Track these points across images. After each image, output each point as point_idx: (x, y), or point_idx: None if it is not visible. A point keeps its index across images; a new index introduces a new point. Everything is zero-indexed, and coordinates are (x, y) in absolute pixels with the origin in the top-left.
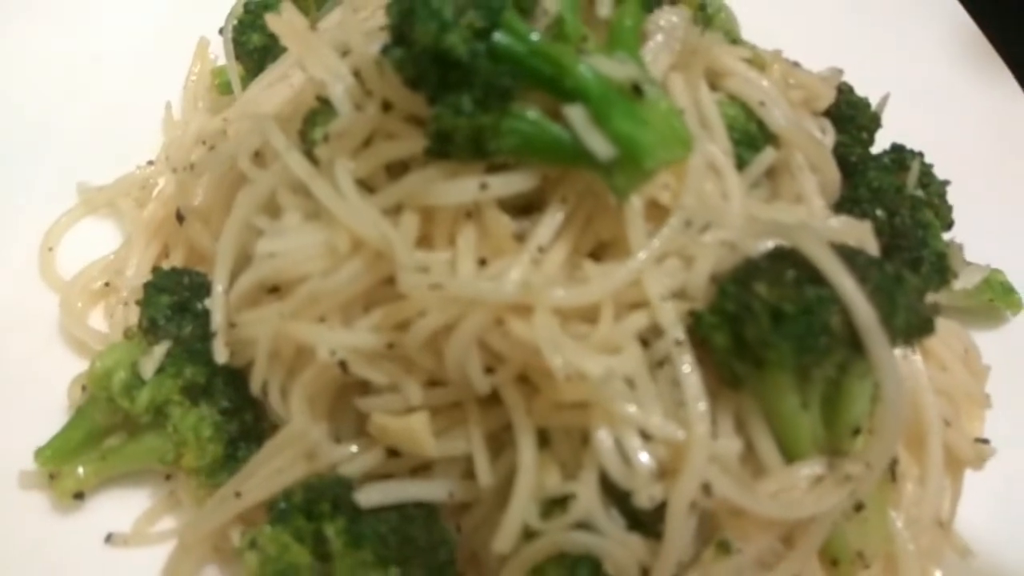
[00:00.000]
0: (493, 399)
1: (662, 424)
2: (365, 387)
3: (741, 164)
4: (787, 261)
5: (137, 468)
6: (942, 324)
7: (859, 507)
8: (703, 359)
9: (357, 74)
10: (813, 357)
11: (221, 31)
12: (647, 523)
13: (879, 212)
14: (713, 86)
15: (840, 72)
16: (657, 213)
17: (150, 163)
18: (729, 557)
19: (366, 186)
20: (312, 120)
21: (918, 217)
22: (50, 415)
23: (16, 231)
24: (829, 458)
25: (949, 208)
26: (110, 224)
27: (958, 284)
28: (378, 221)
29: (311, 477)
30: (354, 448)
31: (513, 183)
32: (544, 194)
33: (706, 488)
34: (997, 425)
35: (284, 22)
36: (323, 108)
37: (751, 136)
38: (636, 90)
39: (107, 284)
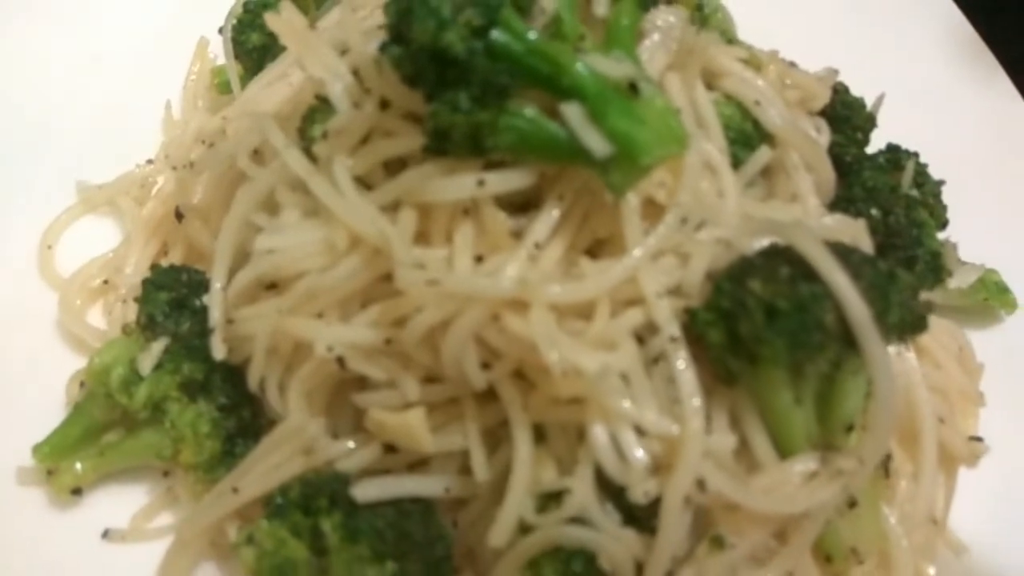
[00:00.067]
0: (489, 395)
1: (657, 420)
2: (362, 383)
3: (737, 163)
4: (782, 258)
5: (135, 464)
6: (936, 322)
7: (852, 503)
8: (698, 355)
9: (356, 72)
10: (807, 353)
11: (220, 30)
12: (642, 518)
13: (874, 211)
14: (709, 86)
15: (836, 72)
16: (653, 211)
17: (149, 162)
18: (723, 552)
19: (364, 183)
20: (311, 118)
21: (913, 216)
22: (48, 411)
23: (15, 229)
24: (822, 454)
25: (944, 208)
26: (109, 222)
27: (953, 283)
28: (376, 218)
29: (308, 472)
30: (351, 444)
31: (510, 180)
32: (541, 191)
33: (700, 483)
34: (992, 424)
35: (283, 21)
36: (322, 106)
37: (747, 135)
38: (632, 88)
39: (106, 281)
